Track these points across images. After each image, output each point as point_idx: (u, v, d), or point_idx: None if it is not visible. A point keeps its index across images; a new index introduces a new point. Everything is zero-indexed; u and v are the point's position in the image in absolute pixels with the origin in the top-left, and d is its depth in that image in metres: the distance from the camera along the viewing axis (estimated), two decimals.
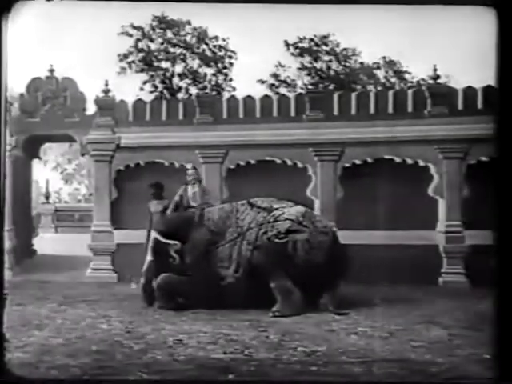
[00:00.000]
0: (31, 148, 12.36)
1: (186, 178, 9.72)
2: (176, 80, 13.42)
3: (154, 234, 9.09)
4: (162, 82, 13.30)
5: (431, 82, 11.06)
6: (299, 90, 12.30)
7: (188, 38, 13.11)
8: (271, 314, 8.14)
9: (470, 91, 10.67)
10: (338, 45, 12.72)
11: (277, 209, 8.79)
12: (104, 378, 5.73)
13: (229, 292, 8.56)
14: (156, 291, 8.81)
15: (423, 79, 11.78)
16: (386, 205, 10.33)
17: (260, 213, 8.80)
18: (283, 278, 8.36)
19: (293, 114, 11.15)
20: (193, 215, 9.08)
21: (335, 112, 11.06)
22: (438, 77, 10.92)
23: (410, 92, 11.08)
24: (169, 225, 9.13)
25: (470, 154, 10.44)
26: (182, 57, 13.35)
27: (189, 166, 10.03)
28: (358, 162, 10.84)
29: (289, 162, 10.97)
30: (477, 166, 10.34)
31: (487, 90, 10.32)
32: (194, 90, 12.79)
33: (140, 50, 12.93)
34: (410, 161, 10.71)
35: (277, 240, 8.50)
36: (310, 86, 12.06)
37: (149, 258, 9.06)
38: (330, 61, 12.95)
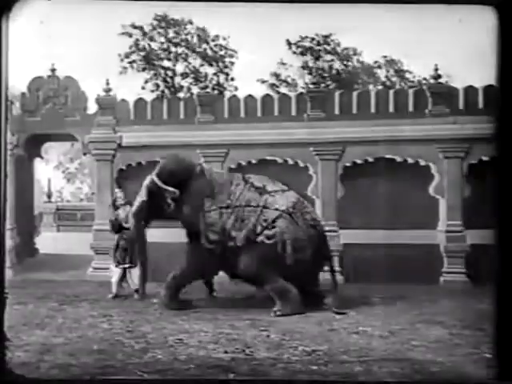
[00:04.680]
0: (33, 147, 12.36)
1: (115, 201, 9.94)
2: (178, 79, 13.42)
3: (152, 176, 9.01)
4: (164, 81, 13.30)
5: (432, 81, 11.04)
6: (300, 90, 12.27)
7: (189, 37, 13.11)
8: (273, 314, 8.14)
9: (470, 91, 10.66)
10: (339, 44, 12.70)
11: (269, 192, 8.79)
12: (105, 378, 5.75)
13: (211, 255, 8.64)
14: (163, 291, 8.80)
15: (424, 78, 11.74)
16: (387, 204, 10.32)
17: (252, 191, 8.81)
18: (277, 279, 8.36)
19: (294, 113, 11.14)
20: (195, 167, 9.06)
21: (336, 111, 11.05)
22: (439, 76, 10.90)
23: (410, 91, 11.07)
24: (170, 172, 8.98)
25: (471, 153, 10.43)
26: (183, 56, 13.34)
27: (117, 190, 10.19)
28: (358, 161, 10.83)
29: (290, 162, 10.96)
30: (478, 166, 10.34)
31: (488, 89, 10.31)
32: (195, 90, 12.77)
33: (141, 49, 12.93)
34: (410, 160, 10.69)
35: (266, 240, 8.49)
36: (311, 86, 12.02)
37: (143, 198, 9.02)
38: (332, 60, 12.94)
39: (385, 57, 12.42)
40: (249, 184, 8.91)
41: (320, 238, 8.78)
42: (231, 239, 8.59)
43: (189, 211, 8.78)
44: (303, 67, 13.02)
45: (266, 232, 8.52)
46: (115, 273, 9.56)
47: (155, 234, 9.57)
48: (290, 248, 8.44)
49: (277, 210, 8.63)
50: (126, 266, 9.50)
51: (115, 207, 9.89)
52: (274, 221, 8.55)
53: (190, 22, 13.15)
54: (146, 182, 9.05)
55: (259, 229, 8.56)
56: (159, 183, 8.87)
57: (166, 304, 8.64)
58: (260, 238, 8.50)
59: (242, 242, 8.53)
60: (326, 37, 12.72)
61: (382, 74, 12.53)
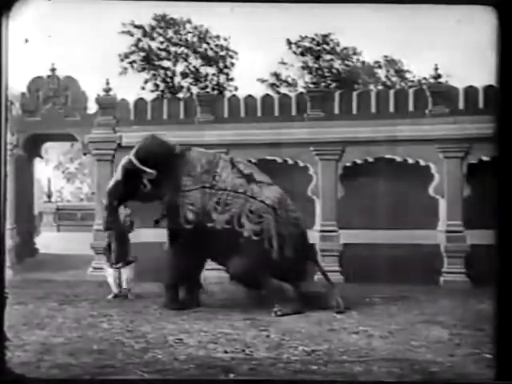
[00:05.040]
0: (32, 147, 12.37)
1: None
2: (177, 79, 13.42)
3: (129, 156, 8.81)
4: (164, 81, 13.30)
5: (432, 81, 11.05)
6: (300, 89, 12.27)
7: (189, 37, 13.11)
8: (273, 314, 8.13)
9: (471, 90, 10.66)
10: (338, 44, 12.71)
11: (256, 182, 8.73)
12: (104, 378, 5.75)
13: (190, 236, 8.53)
14: (164, 290, 8.76)
15: (424, 78, 11.74)
16: (387, 204, 10.32)
17: (239, 178, 8.74)
18: (270, 281, 8.34)
19: (294, 113, 11.15)
20: (175, 148, 8.87)
21: (336, 111, 11.06)
22: (439, 76, 10.90)
23: (410, 91, 11.07)
24: (148, 152, 8.77)
25: (471, 153, 10.43)
26: (183, 56, 13.34)
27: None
28: (358, 161, 10.83)
29: (290, 161, 10.96)
30: (478, 166, 10.33)
31: (488, 89, 10.31)
32: (195, 90, 12.77)
33: (141, 49, 12.93)
34: (410, 160, 10.69)
35: (253, 237, 8.42)
36: (311, 85, 12.02)
37: (118, 177, 8.86)
38: (332, 60, 12.94)
39: (385, 57, 12.42)
40: (236, 168, 8.82)
41: (302, 237, 8.77)
42: (211, 220, 8.49)
43: (166, 192, 8.64)
44: (303, 67, 13.01)
45: (253, 227, 8.46)
46: (110, 273, 9.55)
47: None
48: (276, 244, 8.40)
49: (263, 202, 8.57)
50: (119, 266, 9.48)
51: None
52: (260, 215, 8.50)
53: (189, 22, 13.15)
54: (123, 161, 8.91)
55: (244, 219, 8.49)
56: (137, 163, 8.69)
57: (167, 305, 8.63)
58: (246, 233, 8.44)
59: (223, 225, 8.44)
60: (326, 36, 12.72)
61: (382, 73, 12.53)
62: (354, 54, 12.69)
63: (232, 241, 8.41)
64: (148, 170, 8.64)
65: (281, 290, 8.29)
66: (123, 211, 9.46)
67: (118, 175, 8.92)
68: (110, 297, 9.32)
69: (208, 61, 13.18)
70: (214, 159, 8.89)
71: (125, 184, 8.79)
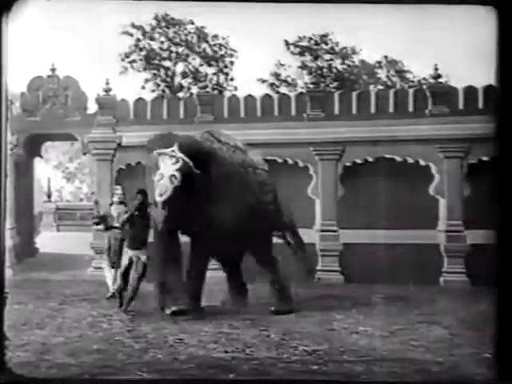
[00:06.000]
0: (32, 147, 12.35)
1: (112, 198, 9.27)
2: (177, 79, 13.41)
3: (181, 157, 7.71)
4: (164, 80, 13.29)
5: (432, 81, 11.04)
6: (300, 89, 12.27)
7: (189, 36, 13.11)
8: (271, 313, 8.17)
9: (470, 90, 10.66)
10: (337, 44, 12.70)
11: (245, 150, 8.71)
12: (104, 378, 5.75)
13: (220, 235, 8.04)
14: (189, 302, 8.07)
15: (424, 78, 11.73)
16: (387, 204, 10.31)
17: (235, 152, 8.58)
18: (280, 273, 8.42)
19: (294, 113, 11.14)
20: (213, 147, 8.20)
21: (336, 111, 11.05)
22: (438, 76, 10.90)
23: (410, 91, 11.07)
24: (193, 150, 7.85)
25: (471, 153, 10.43)
26: (183, 56, 13.34)
27: (117, 186, 9.70)
28: (358, 161, 10.83)
29: (290, 161, 10.96)
30: (478, 166, 10.33)
31: (488, 89, 10.30)
32: (195, 89, 12.76)
33: (141, 49, 12.92)
34: (410, 160, 10.70)
35: (271, 206, 8.45)
36: (310, 85, 12.02)
37: (174, 183, 7.55)
38: (331, 60, 12.94)
39: (385, 57, 12.41)
40: (226, 144, 8.58)
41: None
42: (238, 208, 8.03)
43: (205, 197, 7.82)
44: (302, 67, 13.01)
45: (267, 198, 8.49)
46: (109, 273, 9.51)
47: None
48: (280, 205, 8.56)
49: (263, 170, 8.60)
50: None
51: (109, 204, 9.72)
52: (266, 184, 8.51)
53: (192, 23, 13.15)
54: (178, 164, 7.68)
55: (259, 193, 8.45)
56: (192, 166, 7.66)
57: (198, 315, 8.00)
58: (264, 207, 8.42)
59: (247, 209, 8.08)
60: (324, 36, 12.71)
61: (382, 73, 12.53)
62: (354, 53, 12.68)
63: (259, 221, 8.28)
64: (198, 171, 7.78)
65: (283, 287, 8.35)
66: (119, 208, 9.37)
67: (174, 181, 7.63)
68: (107, 296, 9.29)
69: (208, 60, 13.17)
70: (210, 146, 8.38)
71: (184, 191, 7.61)
